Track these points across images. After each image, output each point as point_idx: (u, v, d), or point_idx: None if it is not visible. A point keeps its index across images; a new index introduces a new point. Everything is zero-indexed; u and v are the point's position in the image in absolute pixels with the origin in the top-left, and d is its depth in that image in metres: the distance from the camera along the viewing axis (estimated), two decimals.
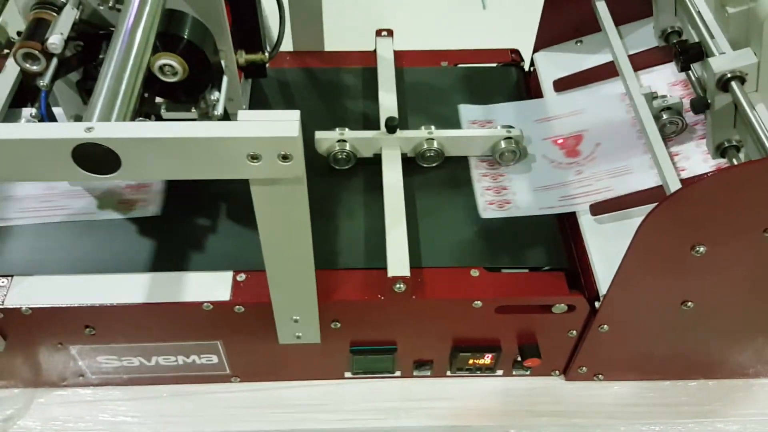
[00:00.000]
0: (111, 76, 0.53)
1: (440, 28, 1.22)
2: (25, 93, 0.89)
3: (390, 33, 0.95)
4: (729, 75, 0.62)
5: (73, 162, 0.48)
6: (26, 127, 0.47)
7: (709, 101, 0.66)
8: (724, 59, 0.63)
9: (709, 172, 0.69)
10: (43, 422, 0.78)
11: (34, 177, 0.49)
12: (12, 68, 0.88)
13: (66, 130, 0.46)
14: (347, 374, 0.80)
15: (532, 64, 0.96)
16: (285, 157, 0.49)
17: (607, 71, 0.86)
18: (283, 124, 0.48)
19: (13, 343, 0.72)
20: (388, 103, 0.85)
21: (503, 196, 0.78)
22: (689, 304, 0.69)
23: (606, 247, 0.72)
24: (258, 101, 0.87)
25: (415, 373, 0.81)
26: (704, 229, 0.60)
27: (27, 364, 0.77)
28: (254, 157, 0.48)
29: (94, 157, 0.47)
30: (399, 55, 0.94)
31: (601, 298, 0.69)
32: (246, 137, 0.47)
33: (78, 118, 0.74)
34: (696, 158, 0.73)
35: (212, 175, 0.50)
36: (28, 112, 0.88)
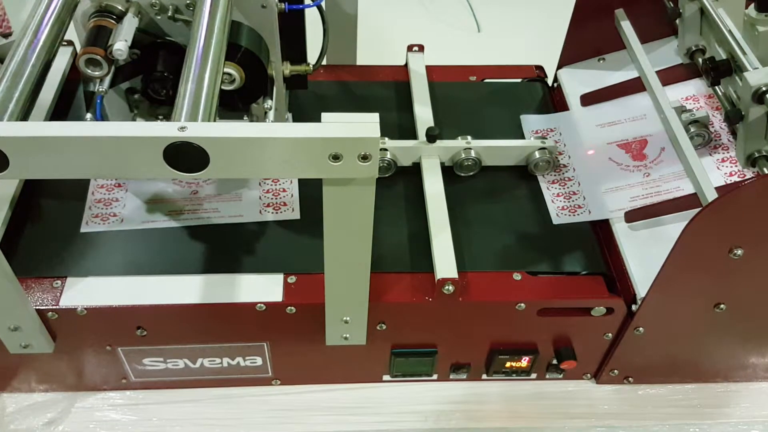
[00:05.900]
0: (192, 80, 0.55)
1: (441, 50, 1.27)
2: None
3: (421, 48, 0.98)
4: (764, 88, 0.66)
5: (163, 160, 0.50)
6: (122, 126, 0.49)
7: (743, 113, 0.70)
8: (760, 73, 0.67)
9: (744, 180, 0.73)
10: (84, 426, 0.78)
11: (123, 174, 0.51)
12: (54, 77, 0.90)
13: (160, 128, 0.48)
14: (386, 377, 0.82)
15: (555, 80, 1.00)
16: (365, 158, 0.51)
17: (632, 86, 0.90)
18: (365, 125, 0.50)
19: (62, 345, 0.73)
20: (423, 115, 0.88)
21: (574, 201, 0.81)
22: (722, 306, 0.72)
23: (641, 252, 0.75)
24: (296, 112, 0.89)
25: (451, 377, 0.83)
26: (743, 232, 0.64)
27: (71, 368, 0.77)
28: (336, 157, 0.51)
29: (185, 156, 0.49)
30: (429, 70, 0.97)
31: (639, 301, 0.72)
32: (331, 137, 0.50)
33: None
34: (725, 168, 0.77)
35: (293, 175, 0.52)
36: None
